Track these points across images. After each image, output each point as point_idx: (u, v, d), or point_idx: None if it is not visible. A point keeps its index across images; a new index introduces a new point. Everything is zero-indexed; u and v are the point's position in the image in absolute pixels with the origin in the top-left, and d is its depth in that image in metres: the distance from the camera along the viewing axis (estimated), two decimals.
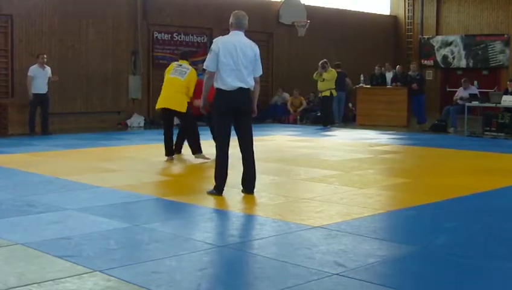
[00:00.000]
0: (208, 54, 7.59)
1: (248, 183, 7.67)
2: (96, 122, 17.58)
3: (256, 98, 7.77)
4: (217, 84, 7.47)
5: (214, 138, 10.92)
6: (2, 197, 7.42)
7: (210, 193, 7.61)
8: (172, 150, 10.76)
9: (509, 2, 24.07)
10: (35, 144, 13.36)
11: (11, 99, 16.27)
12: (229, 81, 7.37)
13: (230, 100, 7.43)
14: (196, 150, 10.66)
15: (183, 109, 10.47)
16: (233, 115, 7.51)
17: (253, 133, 7.72)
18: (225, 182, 7.59)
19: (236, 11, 7.74)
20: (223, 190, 7.57)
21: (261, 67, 7.69)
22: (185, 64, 10.67)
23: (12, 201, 7.18)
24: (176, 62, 10.96)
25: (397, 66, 20.79)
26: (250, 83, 7.50)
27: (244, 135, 7.62)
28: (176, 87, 10.45)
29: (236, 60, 7.37)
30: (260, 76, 7.72)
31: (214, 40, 7.66)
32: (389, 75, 20.84)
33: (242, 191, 7.68)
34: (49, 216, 6.42)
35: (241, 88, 7.41)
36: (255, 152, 7.72)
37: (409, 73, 19.77)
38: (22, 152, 11.84)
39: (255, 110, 7.75)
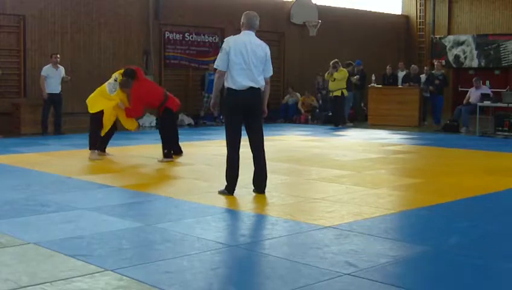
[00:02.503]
0: (219, 53, 7.58)
1: (259, 183, 7.68)
2: None
3: (266, 99, 7.78)
4: (227, 84, 7.47)
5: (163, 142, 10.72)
6: (14, 196, 7.46)
7: (221, 192, 7.62)
8: (96, 144, 10.95)
9: None
10: (48, 143, 13.41)
11: (23, 99, 16.34)
12: (239, 81, 7.38)
13: (241, 100, 7.44)
14: (92, 145, 10.85)
15: (92, 109, 10.85)
16: (243, 115, 7.52)
17: (264, 132, 7.73)
18: (236, 181, 7.60)
19: (247, 12, 7.76)
20: (234, 189, 7.59)
21: (271, 67, 7.70)
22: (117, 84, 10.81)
23: (25, 201, 7.21)
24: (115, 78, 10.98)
25: (412, 66, 20.71)
26: (260, 82, 7.51)
27: (255, 135, 7.63)
28: (103, 93, 10.87)
29: (247, 60, 7.37)
30: (270, 76, 7.74)
31: (225, 39, 7.67)
32: (401, 75, 20.81)
33: (253, 191, 7.69)
34: (62, 216, 6.45)
35: (251, 88, 7.42)
36: (266, 152, 7.74)
37: (432, 72, 19.70)
38: (34, 152, 11.90)
39: (265, 111, 7.78)
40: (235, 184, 7.61)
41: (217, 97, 7.87)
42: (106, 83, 11.03)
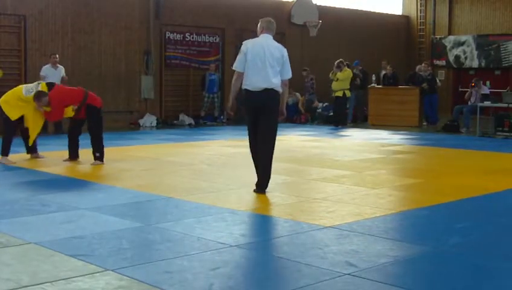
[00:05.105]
0: (238, 56, 7.76)
1: (260, 182, 7.71)
2: (108, 122, 17.46)
3: (285, 100, 7.96)
4: (244, 85, 7.66)
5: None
6: (15, 196, 7.47)
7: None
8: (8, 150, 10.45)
9: None
10: (48, 143, 13.39)
11: None
12: (254, 82, 7.56)
13: (255, 100, 7.62)
14: (3, 152, 10.39)
15: (14, 116, 10.34)
16: (257, 114, 7.64)
17: (275, 134, 7.78)
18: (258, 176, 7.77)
19: (264, 18, 8.02)
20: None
21: (290, 70, 7.86)
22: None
23: (25, 200, 7.22)
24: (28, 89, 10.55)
25: (418, 66, 20.76)
26: (275, 83, 7.62)
27: (262, 134, 7.69)
28: (19, 95, 10.38)
29: (264, 61, 7.55)
30: (289, 79, 7.89)
31: (243, 42, 7.85)
32: (383, 74, 20.93)
33: (254, 191, 7.71)
34: (62, 215, 6.45)
35: (266, 89, 7.56)
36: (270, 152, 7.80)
37: (420, 73, 19.72)
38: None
39: (284, 112, 7.92)
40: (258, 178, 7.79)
41: (234, 99, 7.96)
42: (23, 86, 10.70)
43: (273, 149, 7.74)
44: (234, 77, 7.78)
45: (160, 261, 4.88)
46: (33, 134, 10.57)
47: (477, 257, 5.10)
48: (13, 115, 10.35)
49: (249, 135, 7.83)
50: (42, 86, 10.49)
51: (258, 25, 7.94)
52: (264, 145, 7.68)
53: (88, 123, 10.45)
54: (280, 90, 7.70)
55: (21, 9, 16.38)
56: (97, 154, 10.21)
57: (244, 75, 7.62)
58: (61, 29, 17.11)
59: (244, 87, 7.66)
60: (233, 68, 7.80)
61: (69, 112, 10.35)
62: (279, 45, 7.84)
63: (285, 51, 7.80)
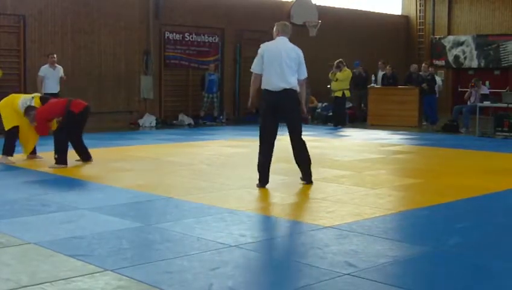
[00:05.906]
0: (255, 58, 8.07)
1: (306, 176, 8.21)
2: (108, 122, 17.60)
3: (304, 98, 8.24)
4: (263, 85, 7.93)
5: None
6: (15, 196, 7.46)
7: (257, 185, 8.01)
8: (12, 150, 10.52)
9: None
10: (47, 143, 13.35)
11: None
12: (272, 82, 7.85)
13: (272, 100, 7.88)
14: (5, 151, 10.44)
15: (7, 125, 10.45)
16: (277, 114, 7.93)
17: (301, 129, 8.16)
18: (264, 175, 8.00)
19: (279, 22, 8.46)
20: (263, 182, 8.00)
21: (305, 70, 8.15)
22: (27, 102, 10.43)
23: (25, 200, 7.21)
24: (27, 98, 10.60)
25: (411, 66, 20.82)
26: (292, 82, 7.89)
27: (292, 131, 8.07)
28: (16, 107, 10.42)
29: (280, 61, 7.84)
30: (305, 79, 8.18)
31: (261, 45, 8.17)
32: (380, 74, 20.91)
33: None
34: (62, 216, 6.45)
35: (285, 89, 7.84)
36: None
37: (420, 73, 19.74)
38: None
39: (304, 110, 8.35)
40: (264, 178, 8.00)
41: (254, 97, 8.22)
42: (21, 96, 10.68)
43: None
44: (252, 78, 8.11)
45: (160, 261, 4.88)
46: (27, 146, 10.70)
47: (477, 257, 5.10)
48: (7, 125, 10.45)
49: (263, 134, 8.07)
50: (35, 101, 10.45)
51: (274, 28, 8.29)
52: (299, 145, 8.11)
53: (59, 124, 10.31)
54: (298, 89, 8.00)
55: (21, 9, 16.37)
56: (56, 156, 9.89)
57: (263, 76, 7.90)
58: (60, 29, 17.10)
59: (263, 87, 7.93)
60: (251, 70, 8.11)
61: (54, 124, 10.44)
62: (295, 46, 8.17)
63: (300, 52, 8.14)
